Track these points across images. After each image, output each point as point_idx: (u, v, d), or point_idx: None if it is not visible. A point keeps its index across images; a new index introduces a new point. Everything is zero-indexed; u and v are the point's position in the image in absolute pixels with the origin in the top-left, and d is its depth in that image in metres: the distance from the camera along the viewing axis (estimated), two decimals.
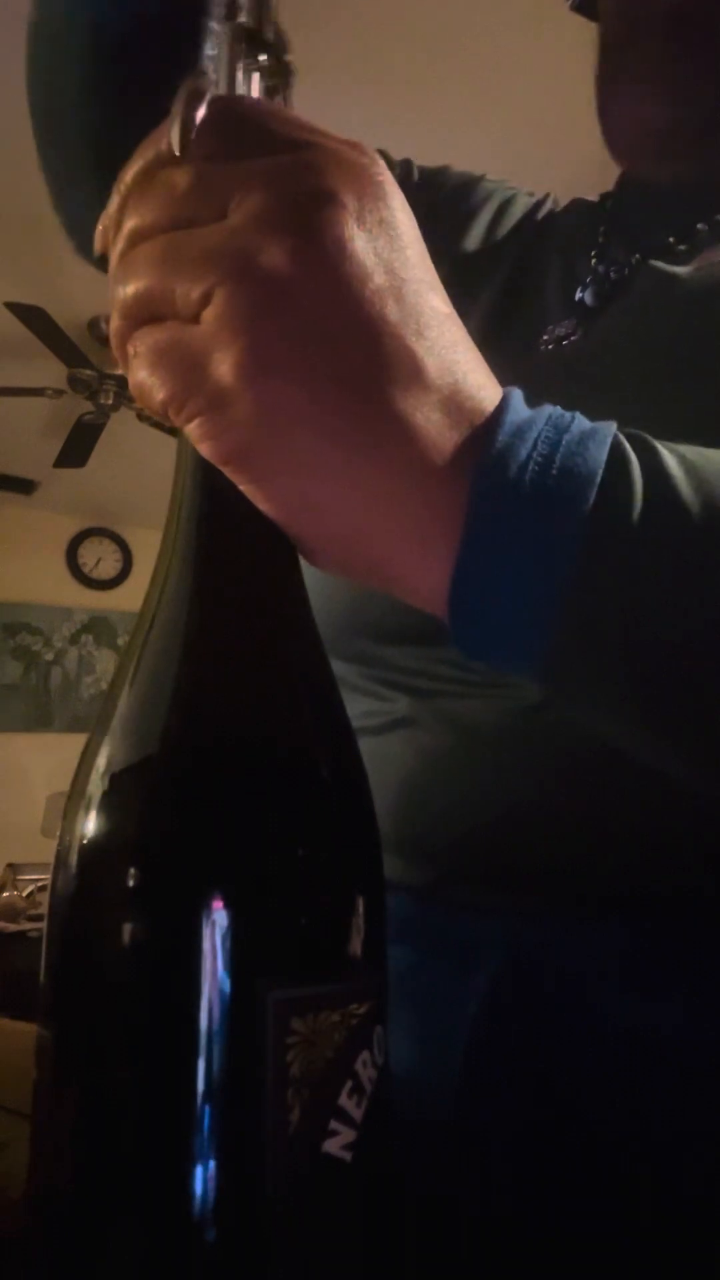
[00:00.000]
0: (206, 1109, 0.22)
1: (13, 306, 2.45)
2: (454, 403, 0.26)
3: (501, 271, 0.58)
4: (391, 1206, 0.24)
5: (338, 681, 0.29)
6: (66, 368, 2.81)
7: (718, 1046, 0.36)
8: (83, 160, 0.52)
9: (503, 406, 0.26)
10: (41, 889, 2.56)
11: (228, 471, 0.26)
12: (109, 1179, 0.22)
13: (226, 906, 0.23)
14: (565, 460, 0.25)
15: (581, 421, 0.27)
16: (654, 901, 0.38)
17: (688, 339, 0.43)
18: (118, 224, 0.28)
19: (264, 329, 0.24)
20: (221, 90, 0.29)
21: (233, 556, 0.28)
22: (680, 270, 0.47)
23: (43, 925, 0.26)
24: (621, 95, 0.55)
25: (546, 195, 0.65)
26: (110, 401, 2.99)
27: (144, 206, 0.27)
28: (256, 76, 0.30)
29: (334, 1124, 0.22)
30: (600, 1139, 0.36)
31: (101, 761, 0.26)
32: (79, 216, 0.55)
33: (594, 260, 0.54)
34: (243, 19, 0.29)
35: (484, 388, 0.27)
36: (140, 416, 2.96)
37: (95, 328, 2.72)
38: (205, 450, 0.26)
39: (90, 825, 0.25)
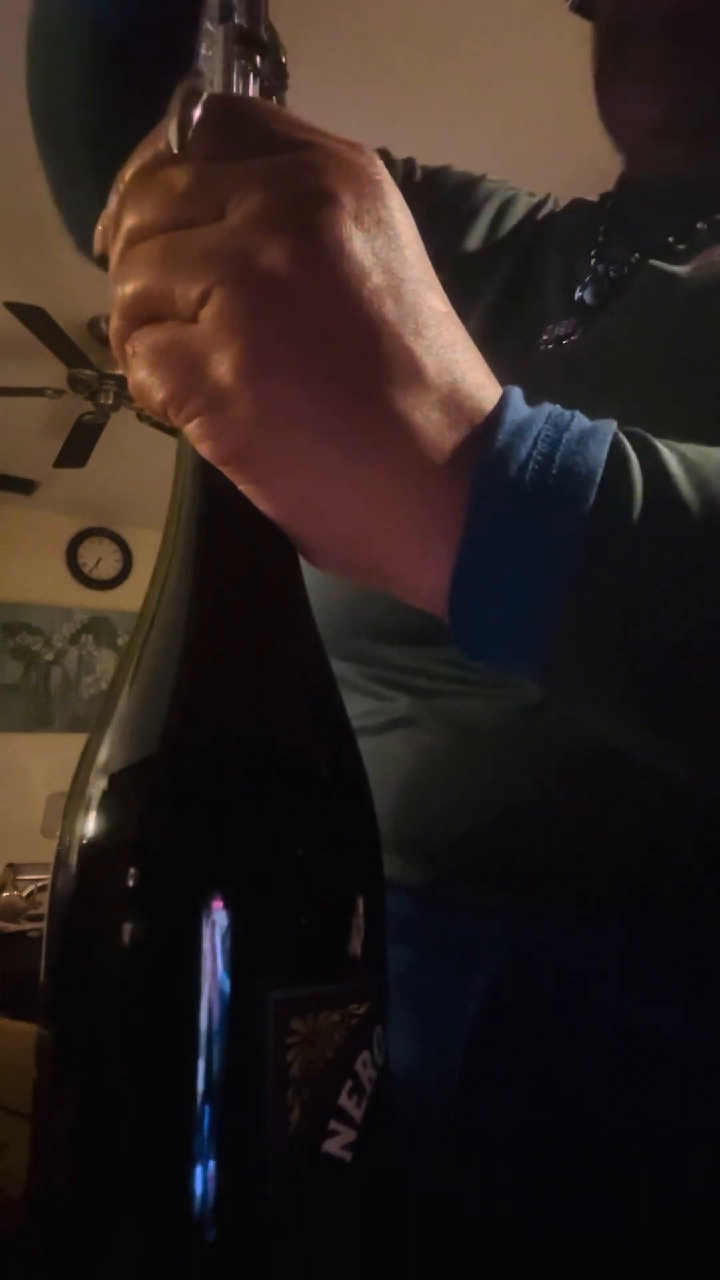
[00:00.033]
0: (206, 1109, 0.22)
1: (13, 306, 2.46)
2: (453, 402, 0.26)
3: (502, 271, 0.58)
4: (391, 1206, 0.24)
5: (338, 681, 0.29)
6: (66, 368, 2.81)
7: (718, 1046, 0.36)
8: (82, 159, 0.52)
9: (502, 405, 0.26)
10: (41, 889, 2.56)
11: (227, 471, 0.26)
12: (109, 1179, 0.22)
13: (226, 906, 0.23)
14: (565, 459, 0.25)
15: (581, 420, 0.27)
16: (654, 901, 0.38)
17: (687, 338, 0.43)
18: (117, 223, 0.28)
19: (263, 329, 0.24)
20: (217, 91, 0.29)
21: (233, 556, 0.28)
22: (680, 269, 0.47)
23: (43, 925, 0.26)
24: (622, 95, 0.55)
25: (547, 195, 0.65)
26: (110, 401, 2.99)
27: (142, 206, 0.27)
28: (252, 77, 0.30)
29: (334, 1124, 0.22)
30: (600, 1139, 0.36)
31: (101, 761, 0.26)
32: (79, 214, 0.55)
33: (594, 260, 0.54)
34: (238, 20, 0.29)
35: (483, 387, 0.26)
36: (140, 416, 2.96)
37: (95, 328, 2.72)
38: (204, 450, 0.26)
39: (90, 825, 0.25)
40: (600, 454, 0.26)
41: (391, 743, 0.45)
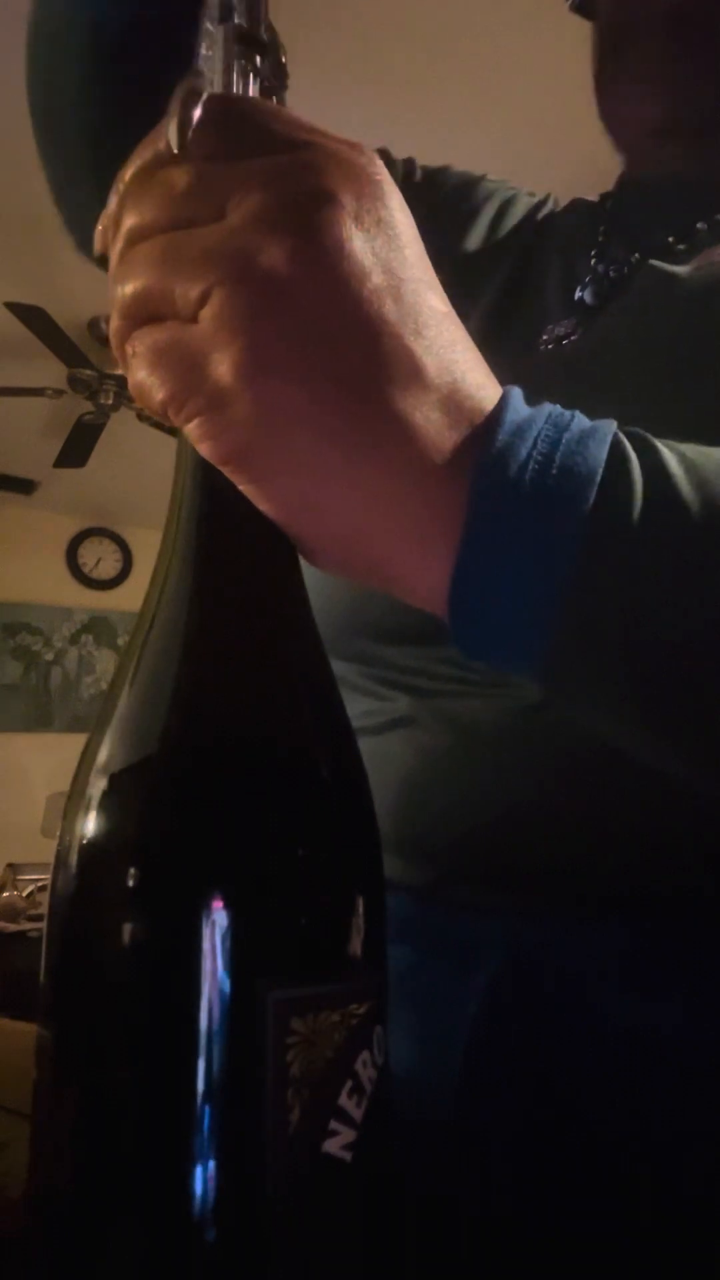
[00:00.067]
0: (206, 1109, 0.22)
1: (13, 306, 2.46)
2: (453, 402, 0.26)
3: (501, 271, 0.58)
4: (391, 1206, 0.24)
5: (338, 681, 0.29)
6: (66, 368, 2.81)
7: (718, 1046, 0.36)
8: (82, 159, 0.52)
9: (502, 405, 0.26)
10: (41, 889, 2.56)
11: (227, 471, 0.26)
12: (109, 1179, 0.22)
13: (226, 906, 0.23)
14: (565, 459, 0.25)
15: (581, 420, 0.27)
16: (654, 901, 0.38)
17: (687, 338, 0.43)
18: (117, 224, 0.28)
19: (263, 329, 0.24)
20: (217, 91, 0.29)
21: (233, 556, 0.28)
22: (679, 269, 0.47)
23: (43, 925, 0.26)
24: (621, 95, 0.55)
25: (547, 195, 0.65)
26: (110, 401, 2.99)
27: (142, 206, 0.27)
28: (252, 77, 0.30)
29: (334, 1124, 0.22)
30: (600, 1139, 0.36)
31: (101, 761, 0.26)
32: (79, 214, 0.55)
33: (594, 260, 0.54)
34: (237, 20, 0.29)
35: (483, 387, 0.26)
36: (140, 416, 2.96)
37: (95, 328, 2.72)
38: (204, 450, 0.26)
39: (90, 825, 0.25)
40: (600, 454, 0.26)
41: (391, 743, 0.45)
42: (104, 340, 2.68)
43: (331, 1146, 0.22)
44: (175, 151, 0.26)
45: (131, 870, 0.23)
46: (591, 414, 0.27)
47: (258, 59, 0.30)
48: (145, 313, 0.26)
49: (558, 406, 0.27)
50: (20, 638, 4.22)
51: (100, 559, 4.45)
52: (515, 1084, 0.38)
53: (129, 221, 0.27)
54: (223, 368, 0.24)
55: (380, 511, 0.26)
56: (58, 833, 0.26)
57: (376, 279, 0.25)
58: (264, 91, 0.30)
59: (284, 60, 0.31)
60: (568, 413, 0.27)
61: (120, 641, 4.38)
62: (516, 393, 0.27)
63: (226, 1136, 0.22)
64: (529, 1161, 0.37)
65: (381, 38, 1.64)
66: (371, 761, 0.28)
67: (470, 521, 0.25)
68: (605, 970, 0.38)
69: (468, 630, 0.27)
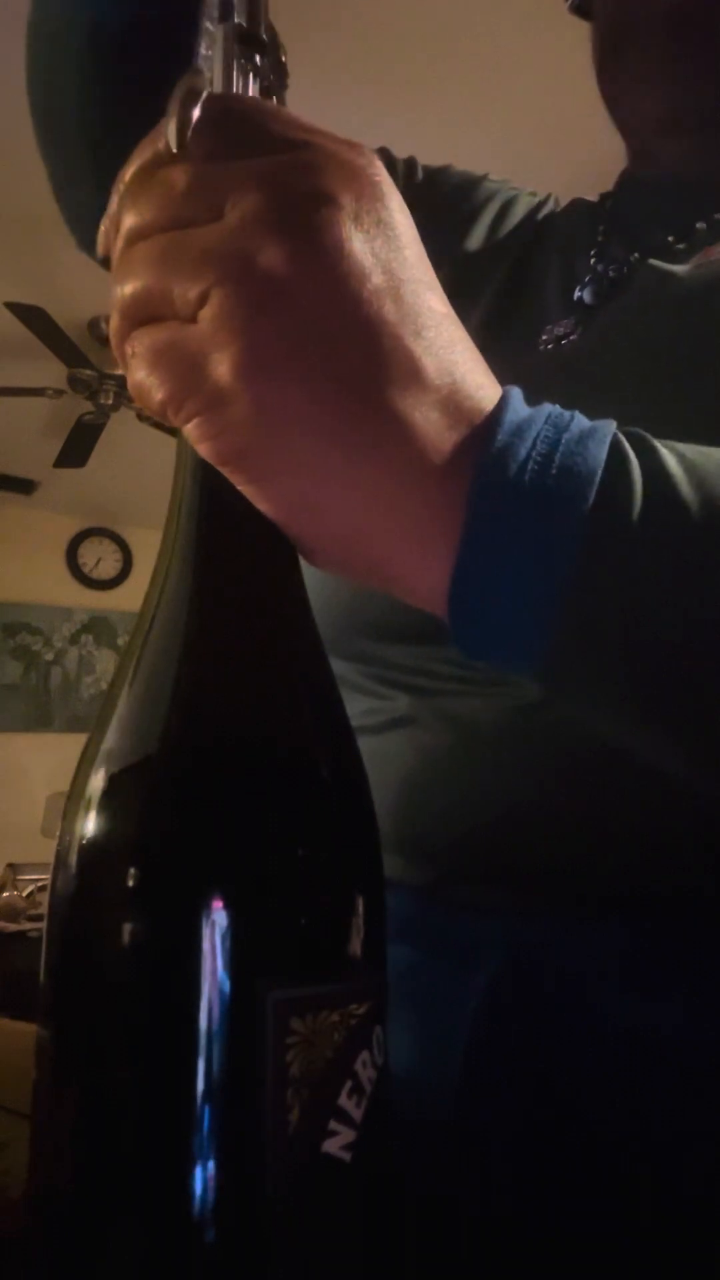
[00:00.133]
0: (206, 1109, 0.22)
1: (13, 306, 2.46)
2: (453, 402, 0.26)
3: (501, 271, 0.58)
4: (391, 1206, 0.24)
5: (338, 680, 0.29)
6: (66, 368, 2.81)
7: (718, 1046, 0.36)
8: (82, 159, 0.52)
9: (502, 405, 0.26)
10: (41, 889, 2.56)
11: (226, 472, 0.26)
12: (109, 1179, 0.22)
13: (226, 906, 0.23)
14: (565, 459, 0.25)
15: (581, 420, 0.27)
16: (654, 901, 0.38)
17: (687, 337, 0.43)
18: (117, 224, 0.28)
19: (262, 329, 0.24)
20: (217, 90, 0.29)
21: (233, 556, 0.28)
22: (679, 269, 0.47)
23: (43, 925, 0.26)
24: (622, 95, 0.55)
25: (548, 196, 0.65)
26: (110, 401, 2.99)
27: (142, 206, 0.27)
28: (251, 76, 0.30)
29: (334, 1124, 0.22)
30: (600, 1139, 0.36)
31: (101, 761, 0.26)
32: (80, 213, 0.55)
33: (593, 259, 0.54)
34: (237, 19, 0.29)
35: (483, 387, 0.26)
36: (140, 416, 2.96)
37: (95, 328, 2.72)
38: (204, 450, 0.26)
39: (90, 825, 0.25)
40: (600, 454, 0.26)
41: (391, 742, 0.45)
42: (104, 340, 2.68)
43: (331, 1147, 0.22)
44: (175, 151, 0.26)
45: (131, 870, 0.23)
46: (591, 414, 0.27)
47: (257, 58, 0.30)
48: (144, 313, 0.26)
49: (557, 407, 0.27)
50: (20, 638, 4.22)
51: (100, 559, 4.45)
52: (515, 1084, 0.38)
53: (128, 222, 0.27)
54: (222, 368, 0.24)
55: (380, 511, 0.25)
56: (58, 833, 0.26)
57: (376, 279, 0.25)
58: (264, 91, 0.30)
59: (284, 59, 0.31)
60: (567, 413, 0.27)
61: (120, 641, 4.39)
62: (516, 393, 0.27)
63: (226, 1136, 0.22)
64: (529, 1161, 0.37)
65: (381, 38, 1.64)
66: (371, 761, 0.28)
67: (470, 521, 0.25)
68: (605, 970, 0.38)
69: (468, 630, 0.27)
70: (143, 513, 4.22)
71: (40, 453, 3.48)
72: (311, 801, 0.26)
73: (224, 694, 0.26)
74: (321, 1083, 0.22)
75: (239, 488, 0.26)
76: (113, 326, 0.28)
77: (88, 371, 2.85)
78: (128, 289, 0.26)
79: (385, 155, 0.63)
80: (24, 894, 2.56)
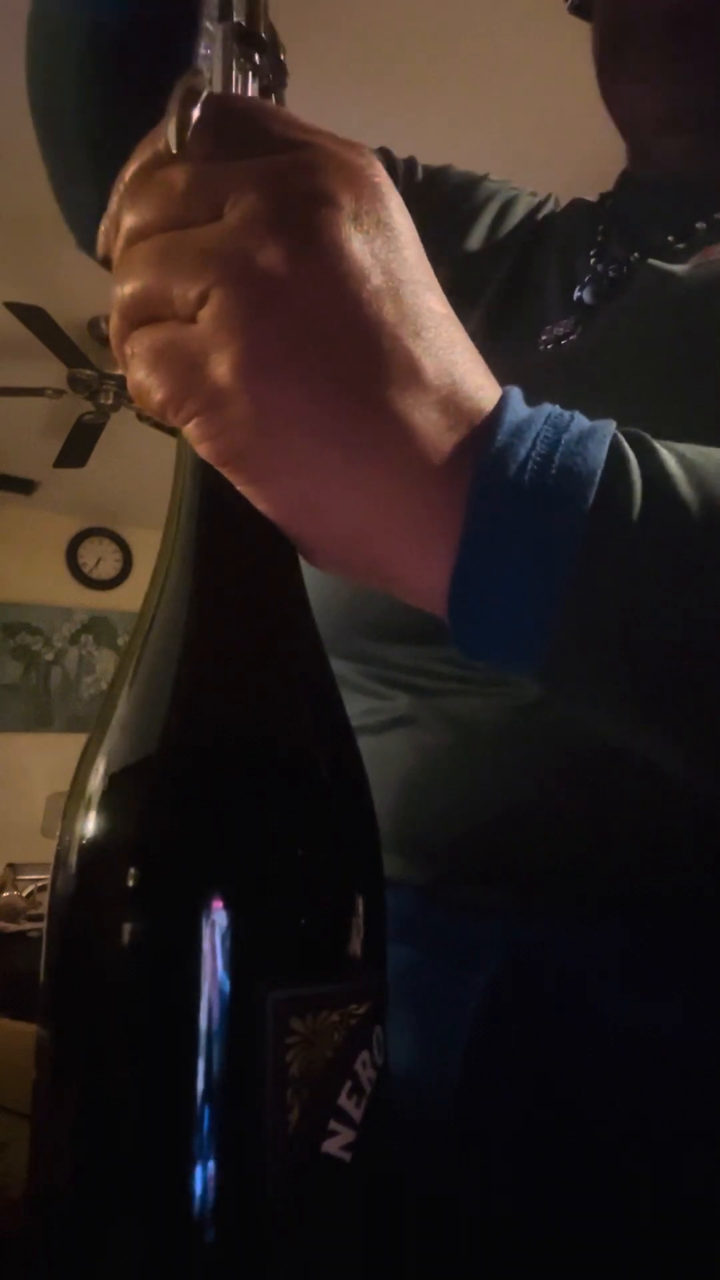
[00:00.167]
0: (206, 1109, 0.22)
1: (13, 306, 2.46)
2: (452, 402, 0.26)
3: (502, 271, 0.58)
4: (391, 1206, 0.24)
5: (337, 680, 0.29)
6: (66, 368, 2.81)
7: (718, 1046, 0.36)
8: (83, 159, 0.52)
9: (501, 406, 0.26)
10: (41, 889, 2.56)
11: (226, 472, 0.26)
12: (109, 1179, 0.22)
13: (226, 907, 0.23)
14: (564, 459, 0.25)
15: (580, 420, 0.27)
16: (654, 901, 0.38)
17: (686, 337, 0.43)
18: (117, 224, 0.28)
19: (261, 329, 0.24)
20: (216, 90, 0.29)
21: (233, 556, 0.28)
22: (678, 268, 0.47)
23: (43, 925, 0.26)
24: (622, 95, 0.55)
25: (549, 196, 0.65)
26: (110, 401, 2.99)
27: (141, 206, 0.27)
28: (250, 76, 0.30)
29: (333, 1124, 0.22)
30: (600, 1139, 0.36)
31: (101, 761, 0.26)
32: (80, 213, 0.55)
33: (593, 259, 0.54)
34: (236, 18, 0.29)
35: (482, 388, 0.26)
36: (140, 416, 2.96)
37: (95, 328, 2.72)
38: (203, 451, 0.26)
39: (90, 825, 0.25)
40: (599, 454, 0.26)
41: (391, 742, 0.45)
42: (104, 340, 2.68)
43: (331, 1147, 0.22)
44: (174, 152, 0.26)
45: (131, 870, 0.23)
46: (591, 414, 0.27)
47: (256, 57, 0.30)
48: (144, 313, 0.26)
49: (557, 407, 0.27)
50: (20, 638, 4.22)
51: (100, 559, 4.45)
52: (515, 1084, 0.38)
53: (128, 222, 0.27)
54: (221, 368, 0.24)
55: (380, 511, 0.25)
56: (58, 833, 0.26)
57: (375, 280, 0.25)
58: (263, 89, 0.30)
59: (283, 58, 0.31)
60: (567, 413, 0.27)
61: (120, 641, 4.39)
62: (516, 393, 0.27)
63: (226, 1137, 0.22)
64: (529, 1161, 0.37)
65: (381, 38, 1.64)
66: (372, 761, 0.28)
67: (469, 521, 0.25)
68: (605, 970, 0.38)
69: (468, 630, 0.27)
70: (143, 513, 4.22)
71: (40, 453, 3.48)
72: (311, 802, 0.26)
73: (224, 694, 0.26)
74: (321, 1083, 0.22)
75: (238, 488, 0.26)
76: (112, 326, 0.28)
77: (88, 371, 2.85)
78: (127, 289, 0.26)
79: (385, 155, 0.63)
80: (24, 894, 2.56)
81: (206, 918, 0.23)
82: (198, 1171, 0.22)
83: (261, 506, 0.26)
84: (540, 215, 0.62)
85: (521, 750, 0.41)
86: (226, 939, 0.23)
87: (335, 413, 0.25)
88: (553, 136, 1.74)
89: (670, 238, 0.52)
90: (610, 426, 0.27)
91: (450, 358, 0.26)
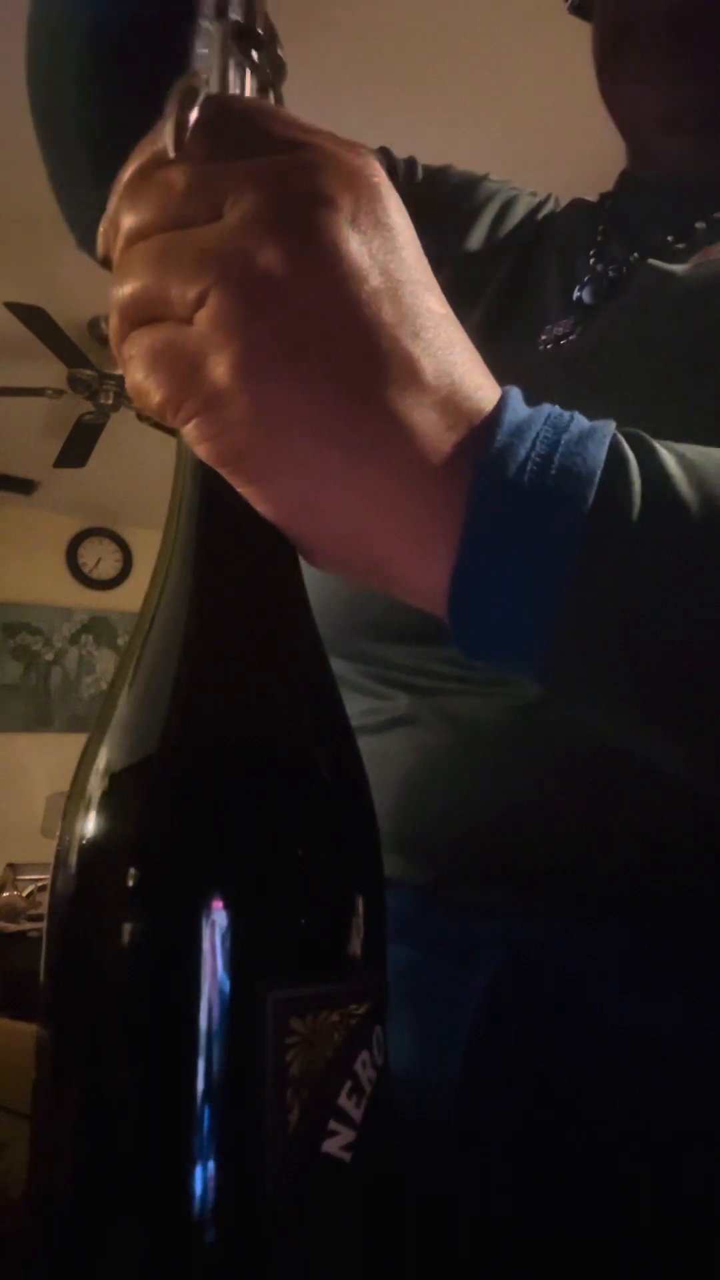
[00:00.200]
0: (206, 1109, 0.22)
1: (13, 306, 2.46)
2: (452, 403, 0.26)
3: (501, 271, 0.58)
4: (391, 1206, 0.24)
5: (337, 680, 0.29)
6: (66, 368, 2.81)
7: (718, 1046, 0.36)
8: (83, 159, 0.52)
9: (501, 406, 0.26)
10: (41, 889, 2.56)
11: (225, 473, 0.26)
12: (109, 1179, 0.22)
13: (226, 907, 0.23)
14: (564, 460, 0.25)
15: (580, 421, 0.27)
16: (654, 901, 0.38)
17: (686, 337, 0.43)
18: (117, 225, 0.28)
19: (259, 330, 0.24)
20: (214, 89, 0.29)
21: (233, 556, 0.28)
22: (678, 268, 0.47)
23: (43, 925, 0.26)
24: (622, 96, 0.55)
25: (549, 196, 0.65)
26: (110, 401, 2.99)
27: (140, 207, 0.27)
28: (249, 74, 0.29)
29: (333, 1124, 0.22)
30: (600, 1139, 0.36)
31: (101, 761, 0.26)
32: (81, 212, 0.55)
33: (593, 259, 0.54)
34: (234, 16, 0.29)
35: (482, 388, 0.26)
36: (140, 416, 2.96)
37: (95, 328, 2.72)
38: (202, 451, 0.26)
39: (90, 825, 0.25)
40: (599, 454, 0.26)
41: (391, 742, 0.45)
42: (104, 340, 2.68)
43: (331, 1147, 0.22)
44: (171, 153, 0.26)
45: (131, 870, 0.23)
46: (590, 414, 0.27)
47: (254, 54, 0.30)
48: (143, 314, 0.26)
49: (556, 407, 0.27)
50: (20, 638, 4.22)
51: (100, 559, 4.45)
52: (515, 1084, 0.38)
53: (127, 222, 0.27)
54: (220, 369, 0.24)
55: (379, 512, 0.25)
56: (58, 833, 0.26)
57: (374, 280, 0.25)
58: (262, 87, 0.30)
59: (281, 54, 0.31)
60: (566, 413, 0.27)
61: (120, 641, 4.39)
62: (515, 393, 0.27)
63: (226, 1136, 0.22)
64: (529, 1161, 0.37)
65: (381, 38, 1.64)
66: (372, 761, 0.28)
67: (469, 522, 0.25)
68: (605, 970, 0.38)
69: (468, 630, 0.27)
70: (143, 513, 4.22)
71: (40, 453, 3.48)
72: (311, 802, 0.26)
73: (224, 694, 0.26)
74: (321, 1083, 0.22)
75: (238, 489, 0.26)
76: (112, 327, 0.28)
77: (88, 371, 2.85)
78: (126, 289, 0.26)
79: (385, 155, 0.63)
80: (24, 894, 2.56)
81: (206, 918, 0.23)
82: (198, 1171, 0.22)
83: (261, 507, 0.26)
84: (540, 215, 0.62)
85: (521, 750, 0.41)
86: (226, 939, 0.23)
87: (335, 413, 0.25)
88: (553, 136, 1.74)
89: (670, 238, 0.52)
90: (610, 427, 0.27)
91: (449, 358, 0.26)
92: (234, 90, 0.29)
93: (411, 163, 0.65)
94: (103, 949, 0.24)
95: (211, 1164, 0.22)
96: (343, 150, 0.26)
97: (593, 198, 0.61)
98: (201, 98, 0.26)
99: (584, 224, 0.58)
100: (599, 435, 0.26)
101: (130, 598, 4.36)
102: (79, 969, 0.24)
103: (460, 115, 1.79)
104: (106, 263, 0.29)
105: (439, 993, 0.40)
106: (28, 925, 2.37)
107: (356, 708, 0.46)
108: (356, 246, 0.25)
